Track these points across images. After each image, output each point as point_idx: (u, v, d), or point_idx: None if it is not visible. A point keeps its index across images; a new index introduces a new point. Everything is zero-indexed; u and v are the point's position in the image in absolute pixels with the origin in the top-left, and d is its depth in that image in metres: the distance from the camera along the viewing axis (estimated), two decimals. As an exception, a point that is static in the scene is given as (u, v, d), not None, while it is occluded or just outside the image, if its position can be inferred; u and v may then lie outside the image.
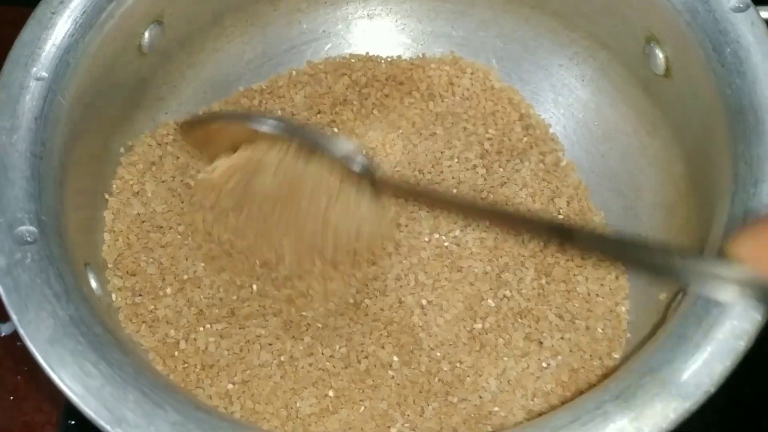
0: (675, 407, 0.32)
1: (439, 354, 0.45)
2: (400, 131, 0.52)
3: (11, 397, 0.51)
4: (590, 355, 0.45)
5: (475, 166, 0.51)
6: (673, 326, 0.35)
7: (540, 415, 0.43)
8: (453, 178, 0.50)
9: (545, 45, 0.53)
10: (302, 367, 0.44)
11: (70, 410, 0.49)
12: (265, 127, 0.42)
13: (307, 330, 0.45)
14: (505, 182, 0.50)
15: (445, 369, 0.44)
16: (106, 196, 0.46)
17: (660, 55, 0.45)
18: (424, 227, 0.48)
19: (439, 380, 0.44)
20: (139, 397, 0.33)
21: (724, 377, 0.33)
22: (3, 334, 0.52)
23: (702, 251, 0.39)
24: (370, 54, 0.55)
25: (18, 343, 0.50)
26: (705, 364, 0.33)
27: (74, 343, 0.34)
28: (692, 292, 0.36)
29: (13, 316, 0.34)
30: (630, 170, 0.50)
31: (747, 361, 0.34)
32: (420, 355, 0.45)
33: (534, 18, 0.52)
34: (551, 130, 0.52)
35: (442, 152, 0.51)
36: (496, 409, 0.44)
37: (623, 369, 0.35)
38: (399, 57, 0.55)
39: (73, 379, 0.33)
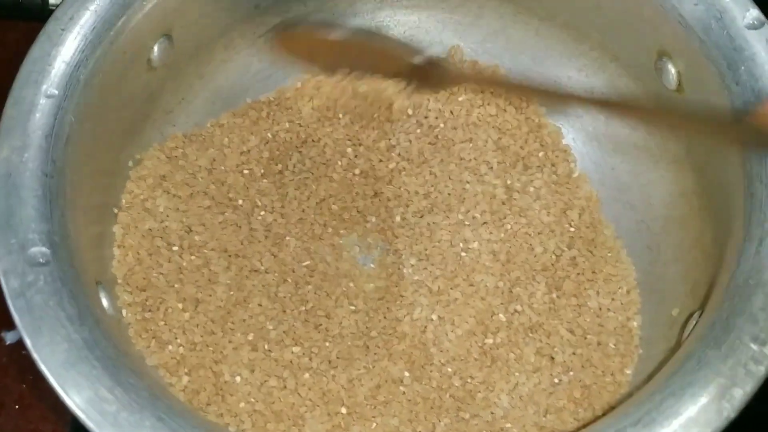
0: (696, 433, 0.32)
1: (450, 369, 0.45)
2: (411, 141, 0.52)
3: (16, 406, 0.51)
4: (602, 371, 0.45)
5: (487, 175, 0.50)
6: (692, 349, 0.35)
7: (553, 432, 0.43)
8: (464, 189, 0.50)
9: (554, 57, 0.52)
10: (314, 384, 0.44)
11: (78, 425, 0.49)
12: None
13: (319, 350, 0.45)
14: (519, 192, 0.50)
15: (457, 384, 0.44)
16: (115, 210, 0.46)
17: (672, 70, 0.45)
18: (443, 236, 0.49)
19: (450, 396, 0.44)
20: (155, 423, 0.33)
21: (745, 402, 0.33)
22: (8, 342, 0.52)
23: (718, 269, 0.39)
24: (378, 65, 0.54)
25: (23, 352, 0.50)
26: (725, 389, 0.33)
27: (89, 367, 0.34)
28: (709, 314, 0.36)
29: (27, 340, 0.34)
30: (640, 183, 0.50)
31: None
32: (431, 371, 0.45)
33: (543, 29, 0.52)
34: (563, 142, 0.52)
35: (456, 163, 0.51)
36: (509, 425, 0.43)
37: (643, 392, 0.35)
38: (407, 68, 0.54)
39: (88, 404, 0.33)
